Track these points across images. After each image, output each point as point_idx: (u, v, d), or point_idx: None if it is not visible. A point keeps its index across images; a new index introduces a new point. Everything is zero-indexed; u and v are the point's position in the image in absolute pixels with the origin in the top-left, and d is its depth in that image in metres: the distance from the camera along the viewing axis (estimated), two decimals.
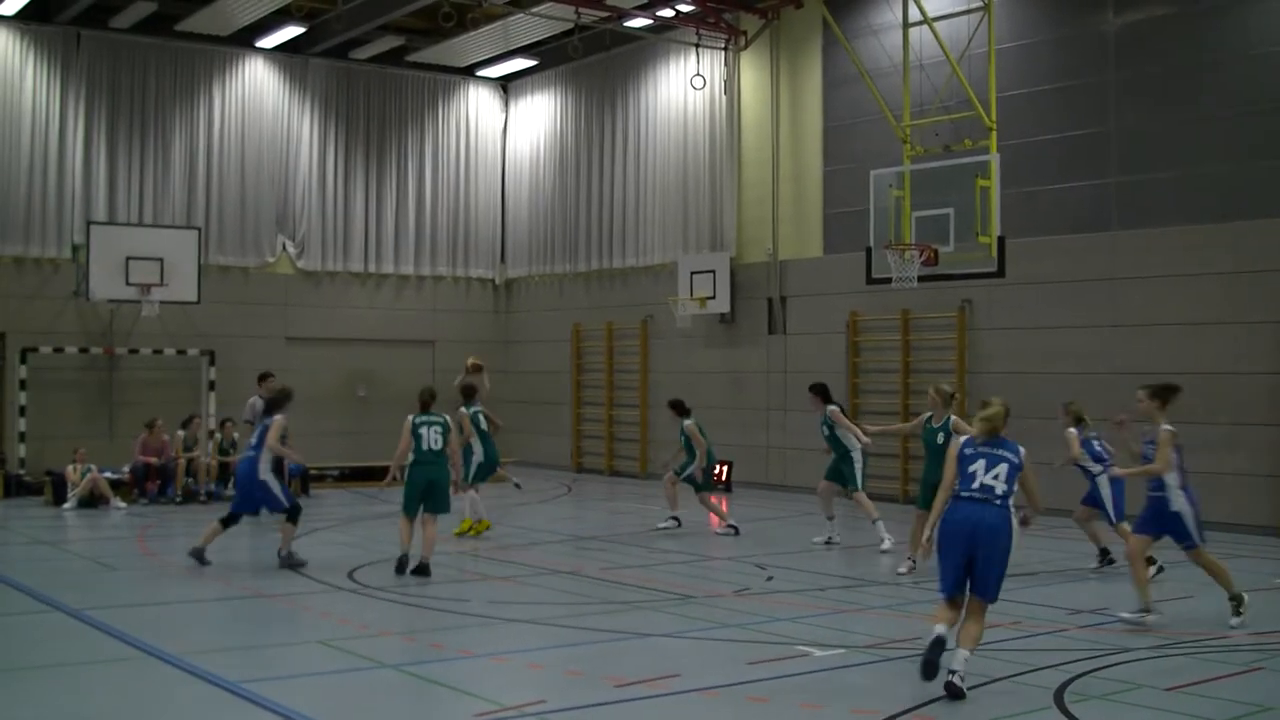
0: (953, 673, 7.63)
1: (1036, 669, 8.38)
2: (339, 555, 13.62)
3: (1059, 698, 7.66)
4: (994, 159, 15.46)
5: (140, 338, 22.04)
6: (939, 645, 7.75)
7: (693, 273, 21.83)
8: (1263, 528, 15.16)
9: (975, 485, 8.05)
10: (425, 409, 12.69)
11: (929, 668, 7.69)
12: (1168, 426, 9.83)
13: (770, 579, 12.12)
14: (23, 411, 20.76)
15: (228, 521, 13.02)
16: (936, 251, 15.71)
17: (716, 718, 7.53)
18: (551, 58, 24.63)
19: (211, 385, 22.13)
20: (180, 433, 19.38)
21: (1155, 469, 9.81)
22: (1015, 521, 8.04)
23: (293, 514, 12.87)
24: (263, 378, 18.65)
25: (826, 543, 14.45)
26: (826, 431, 14.44)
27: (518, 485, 18.06)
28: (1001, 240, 15.64)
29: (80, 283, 21.11)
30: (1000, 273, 16.00)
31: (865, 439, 14.28)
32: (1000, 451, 8.15)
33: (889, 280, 16.17)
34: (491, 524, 15.43)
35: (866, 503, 14.24)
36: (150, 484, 18.97)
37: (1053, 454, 12.44)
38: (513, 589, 11.75)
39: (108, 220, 21.77)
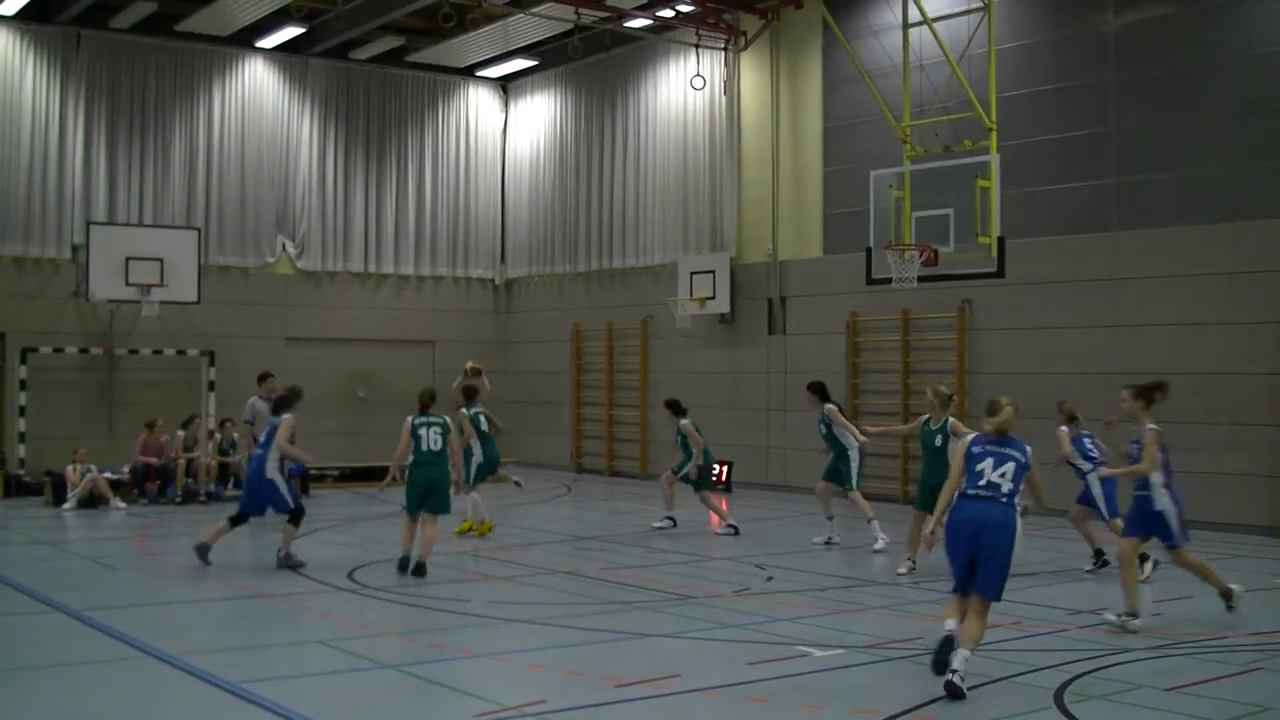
0: (953, 672, 7.63)
1: (1036, 669, 8.38)
2: (339, 555, 13.61)
3: (1059, 698, 7.66)
4: (994, 159, 15.46)
5: (140, 338, 22.04)
6: (949, 643, 7.78)
7: (693, 273, 21.83)
8: (1263, 528, 15.16)
9: (982, 483, 8.11)
10: (424, 410, 12.71)
11: (940, 666, 7.72)
12: (1153, 426, 9.80)
13: (770, 579, 12.12)
14: (23, 411, 20.76)
15: (236, 520, 13.02)
16: (936, 252, 15.71)
17: (716, 718, 7.53)
18: (551, 58, 24.63)
19: (211, 385, 22.13)
20: (180, 433, 19.38)
21: (1142, 469, 9.78)
22: (1019, 518, 8.07)
23: (296, 516, 12.86)
24: (262, 378, 18.65)
25: (826, 543, 14.45)
26: (824, 430, 14.46)
27: (518, 483, 18.06)
28: (1001, 240, 15.65)
29: (80, 283, 21.11)
30: (1000, 273, 16.01)
31: (862, 438, 14.32)
32: (1008, 450, 8.21)
33: (889, 280, 16.17)
34: (494, 526, 15.41)
35: (862, 502, 14.26)
36: (150, 484, 18.97)
37: (1051, 453, 12.44)
38: (513, 589, 11.75)
39: (108, 220, 21.78)
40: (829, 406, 14.41)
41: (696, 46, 21.57)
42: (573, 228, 25.07)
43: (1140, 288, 16.48)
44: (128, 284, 20.54)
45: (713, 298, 21.51)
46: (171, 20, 22.20)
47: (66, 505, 18.02)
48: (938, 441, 12.44)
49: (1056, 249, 17.23)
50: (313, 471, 20.02)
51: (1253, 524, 15.24)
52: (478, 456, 15.27)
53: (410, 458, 12.51)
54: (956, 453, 8.42)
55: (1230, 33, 15.83)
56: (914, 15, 16.69)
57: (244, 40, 23.25)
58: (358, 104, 25.00)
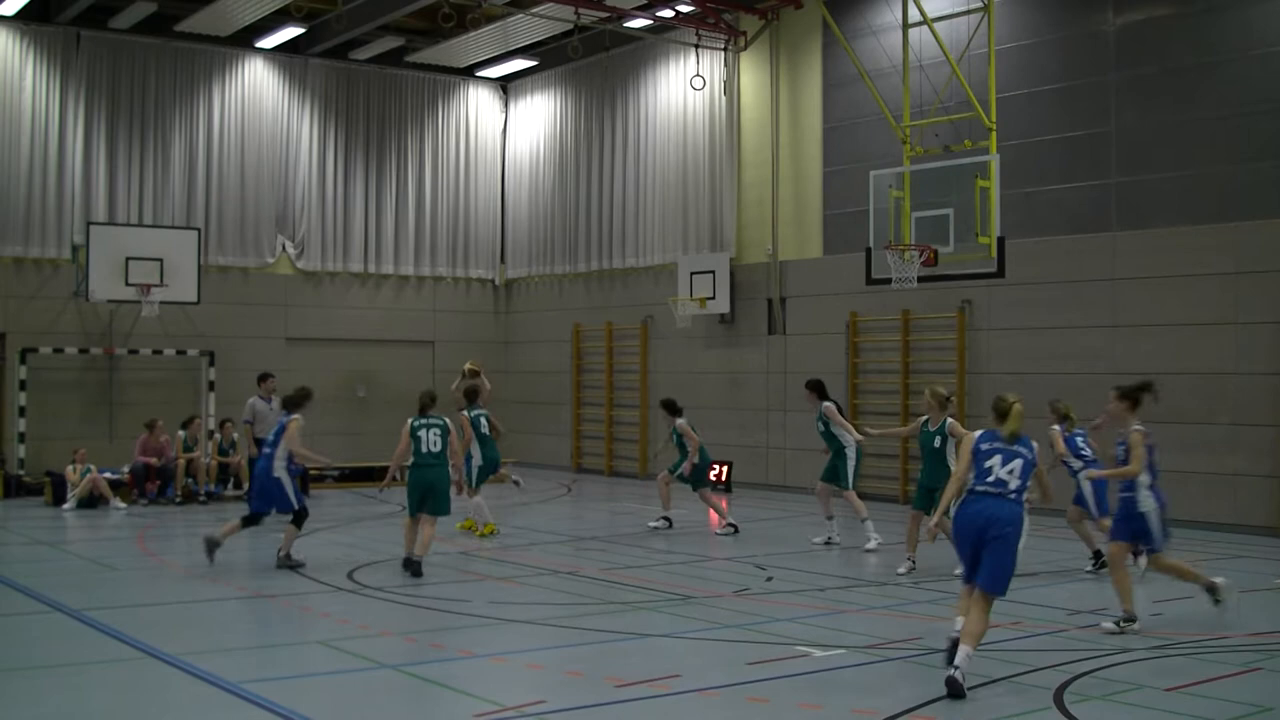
0: (955, 668, 7.65)
1: (1036, 669, 8.38)
2: (339, 555, 13.61)
3: (1059, 698, 7.66)
4: (994, 159, 15.46)
5: (140, 338, 22.04)
6: (958, 645, 7.89)
7: (693, 273, 21.83)
8: (1263, 528, 15.16)
9: (991, 480, 8.19)
10: (424, 412, 12.73)
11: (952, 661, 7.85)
12: (1138, 427, 9.77)
13: (770, 579, 12.12)
14: (22, 412, 20.76)
15: (249, 521, 13.02)
16: (936, 252, 15.72)
17: (716, 718, 7.53)
18: (551, 58, 24.64)
19: (211, 385, 22.13)
20: (180, 433, 19.38)
21: (1131, 471, 9.72)
22: (1026, 515, 8.16)
23: (299, 517, 12.87)
24: (262, 378, 18.66)
25: (826, 543, 14.45)
26: (822, 428, 14.48)
27: (516, 482, 18.08)
28: (1001, 240, 15.65)
29: (80, 283, 21.10)
30: (1000, 273, 16.00)
31: (859, 436, 14.36)
32: (1016, 447, 8.29)
33: (889, 281, 16.18)
34: (497, 529, 15.39)
35: (856, 501, 14.28)
36: (150, 485, 18.98)
37: (1046, 453, 12.43)
38: (513, 589, 11.75)
39: (107, 220, 21.77)
40: (826, 404, 14.42)
41: (696, 46, 21.57)
42: (573, 228, 25.07)
43: (1140, 288, 16.48)
44: (128, 284, 20.52)
45: (713, 298, 21.51)
46: (171, 20, 22.20)
47: (66, 505, 18.02)
48: (936, 443, 12.45)
49: (1056, 249, 17.23)
50: (312, 472, 20.01)
51: (1253, 524, 15.25)
52: (477, 459, 15.26)
53: (410, 459, 12.54)
54: (963, 448, 8.47)
55: (1230, 33, 15.82)
56: (914, 15, 16.70)
57: (244, 40, 23.25)
58: (358, 104, 25.01)
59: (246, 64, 23.75)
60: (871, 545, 13.88)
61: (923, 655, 8.81)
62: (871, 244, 16.52)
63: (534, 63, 25.23)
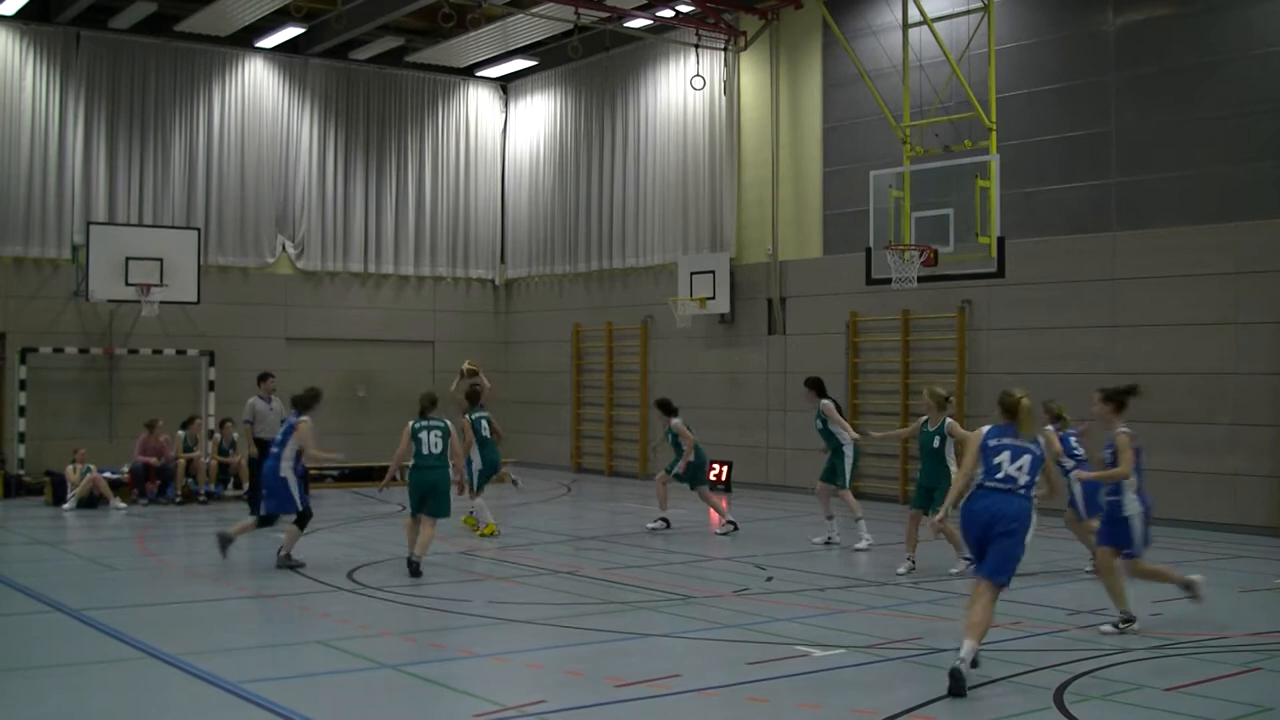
0: (961, 660, 7.67)
1: (1036, 669, 8.38)
2: (339, 555, 13.61)
3: (1059, 698, 7.66)
4: (994, 159, 15.47)
5: (140, 338, 22.04)
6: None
7: (693, 273, 21.83)
8: (1263, 528, 15.16)
9: (1000, 476, 8.24)
10: (425, 414, 12.74)
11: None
12: (1124, 429, 9.76)
13: (770, 579, 12.12)
14: (22, 411, 20.76)
15: (263, 521, 13.02)
16: (936, 252, 15.72)
17: (716, 718, 7.53)
18: (551, 58, 24.64)
19: (211, 385, 22.13)
20: (180, 433, 19.39)
21: (1121, 472, 9.68)
22: (1034, 510, 8.24)
23: (302, 519, 12.88)
24: (262, 378, 18.64)
25: (826, 543, 14.46)
26: (820, 425, 14.49)
27: (515, 482, 18.09)
28: (1001, 240, 15.65)
29: (80, 283, 21.10)
30: (1000, 273, 16.01)
31: (855, 434, 14.39)
32: (1024, 443, 8.32)
33: (889, 281, 16.18)
34: (498, 529, 15.38)
35: (852, 501, 14.31)
36: (150, 484, 18.98)
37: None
38: (513, 589, 11.75)
39: (107, 220, 21.77)
40: (824, 402, 14.45)
41: (696, 46, 21.57)
42: (573, 228, 25.07)
43: (1140, 288, 16.48)
44: (127, 284, 20.53)
45: (713, 298, 21.51)
46: (171, 20, 22.20)
47: (66, 505, 18.02)
48: (935, 443, 12.46)
49: (1056, 249, 17.23)
50: (312, 471, 19.99)
51: (1253, 524, 15.24)
52: (477, 463, 15.28)
53: (411, 461, 12.56)
54: (970, 444, 8.50)
55: (1230, 33, 15.82)
56: (914, 15, 16.70)
57: (244, 40, 23.25)
58: (358, 104, 25.01)
59: (246, 64, 23.75)
60: (862, 545, 13.94)
61: (923, 655, 8.81)
62: (871, 244, 16.52)
63: (534, 63, 25.23)
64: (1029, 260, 16.99)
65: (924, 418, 12.76)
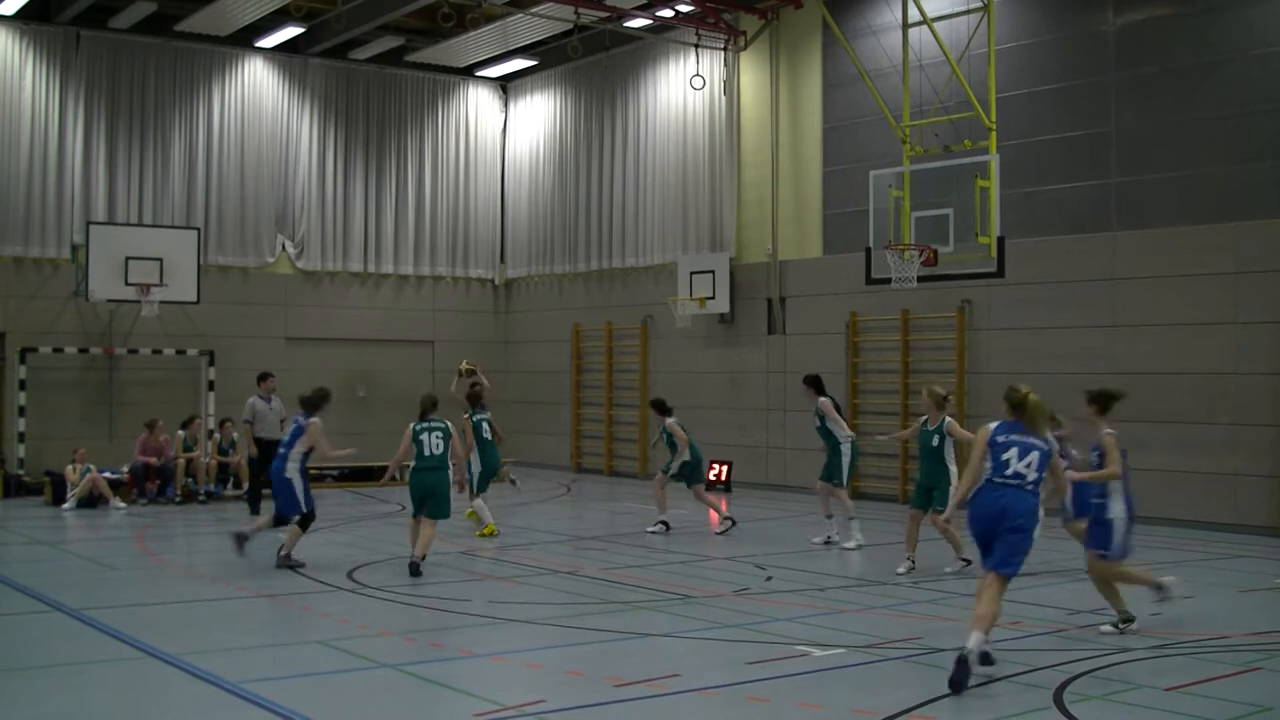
0: (969, 650, 7.71)
1: (1036, 669, 8.37)
2: (339, 555, 13.61)
3: (1059, 697, 7.66)
4: (994, 159, 15.46)
5: (140, 338, 22.04)
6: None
7: (692, 273, 21.83)
8: (1263, 528, 15.16)
9: (1009, 472, 8.29)
10: (425, 415, 12.74)
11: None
12: (1109, 431, 9.75)
13: (770, 579, 12.12)
14: (22, 411, 20.77)
15: (277, 522, 13.03)
16: (936, 252, 15.72)
17: (716, 718, 7.53)
18: (551, 58, 24.63)
19: (211, 385, 22.13)
20: (180, 433, 19.38)
21: (1110, 473, 9.64)
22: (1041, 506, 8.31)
23: (305, 521, 12.88)
24: (262, 378, 18.62)
25: (826, 543, 14.46)
26: (818, 423, 14.51)
27: (513, 481, 18.08)
28: (1001, 240, 15.65)
29: (80, 283, 21.10)
30: (1000, 273, 16.00)
31: (850, 432, 14.44)
32: (1031, 439, 8.35)
33: (889, 280, 16.18)
34: (498, 530, 15.38)
35: (846, 500, 14.34)
36: (150, 484, 18.98)
37: None
38: (513, 589, 11.75)
39: (107, 220, 21.77)
40: (822, 399, 14.47)
41: (696, 46, 21.57)
42: (572, 228, 25.07)
43: (1140, 288, 16.48)
44: (127, 284, 20.53)
45: (712, 298, 21.51)
46: (171, 20, 22.20)
47: (66, 505, 18.01)
48: (934, 443, 12.47)
49: (1056, 249, 17.22)
50: (312, 471, 19.93)
51: (1253, 524, 15.24)
52: (477, 465, 15.28)
53: (412, 462, 12.58)
54: (977, 440, 8.53)
55: (1230, 33, 15.82)
56: (914, 15, 16.70)
57: (244, 40, 23.25)
58: (358, 104, 25.01)
59: (246, 64, 23.75)
60: (852, 544, 13.99)
61: (922, 655, 8.82)
62: (871, 244, 16.52)
63: (534, 62, 25.22)
64: (1029, 260, 16.99)
65: (924, 417, 12.77)
